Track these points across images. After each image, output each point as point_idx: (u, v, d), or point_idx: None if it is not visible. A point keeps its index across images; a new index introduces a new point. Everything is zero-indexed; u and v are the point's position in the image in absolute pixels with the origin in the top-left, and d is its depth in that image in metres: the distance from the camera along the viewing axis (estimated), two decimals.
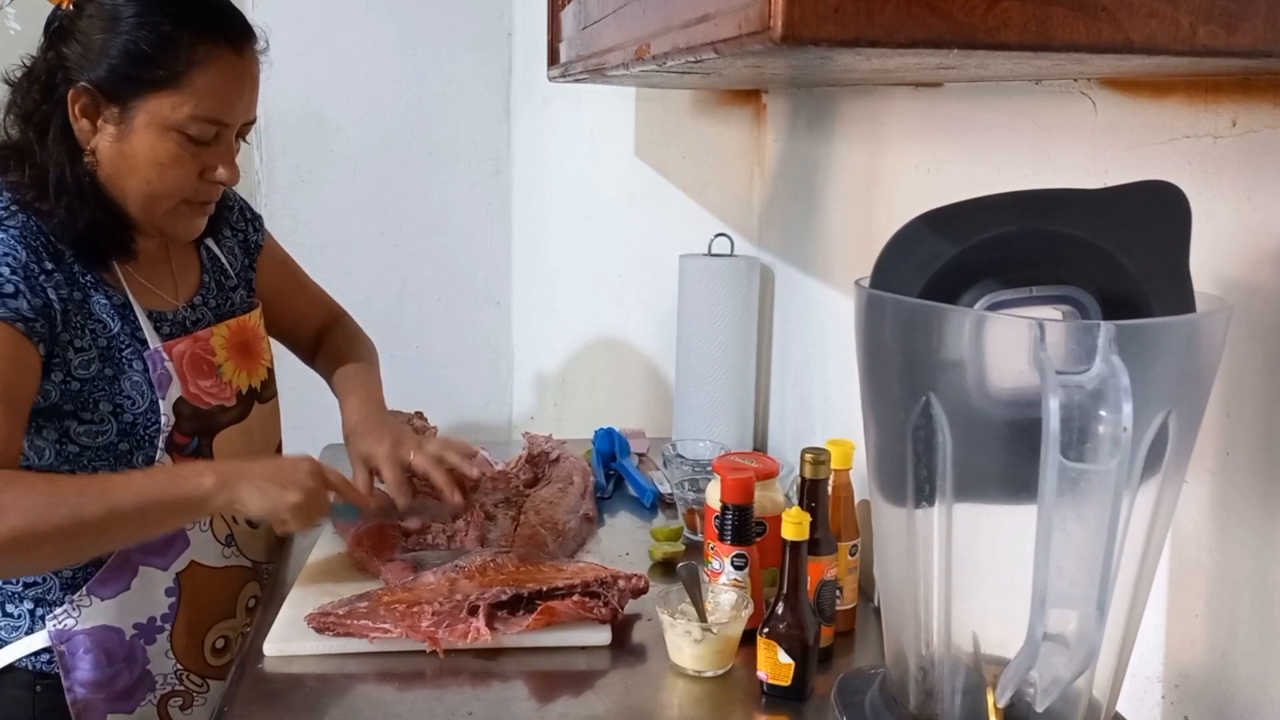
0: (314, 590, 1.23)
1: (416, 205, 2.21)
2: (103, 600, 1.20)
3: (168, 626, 1.25)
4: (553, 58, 1.68)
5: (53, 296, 1.12)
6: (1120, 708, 0.89)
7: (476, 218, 2.25)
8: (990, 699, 0.81)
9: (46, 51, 1.16)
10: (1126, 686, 0.88)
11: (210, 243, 1.37)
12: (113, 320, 1.18)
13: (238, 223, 1.43)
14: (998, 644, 0.84)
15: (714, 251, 1.85)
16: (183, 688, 1.27)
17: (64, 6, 1.15)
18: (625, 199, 2.04)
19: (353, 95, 2.13)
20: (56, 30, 1.16)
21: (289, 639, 1.13)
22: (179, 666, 1.27)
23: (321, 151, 2.13)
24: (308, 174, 2.06)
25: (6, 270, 1.09)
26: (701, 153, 1.99)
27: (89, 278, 1.17)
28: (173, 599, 1.25)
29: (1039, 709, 0.77)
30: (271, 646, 1.12)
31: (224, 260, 1.38)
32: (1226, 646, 0.83)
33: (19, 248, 1.11)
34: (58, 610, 1.19)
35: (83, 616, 1.20)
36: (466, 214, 2.25)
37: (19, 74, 1.17)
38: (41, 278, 1.12)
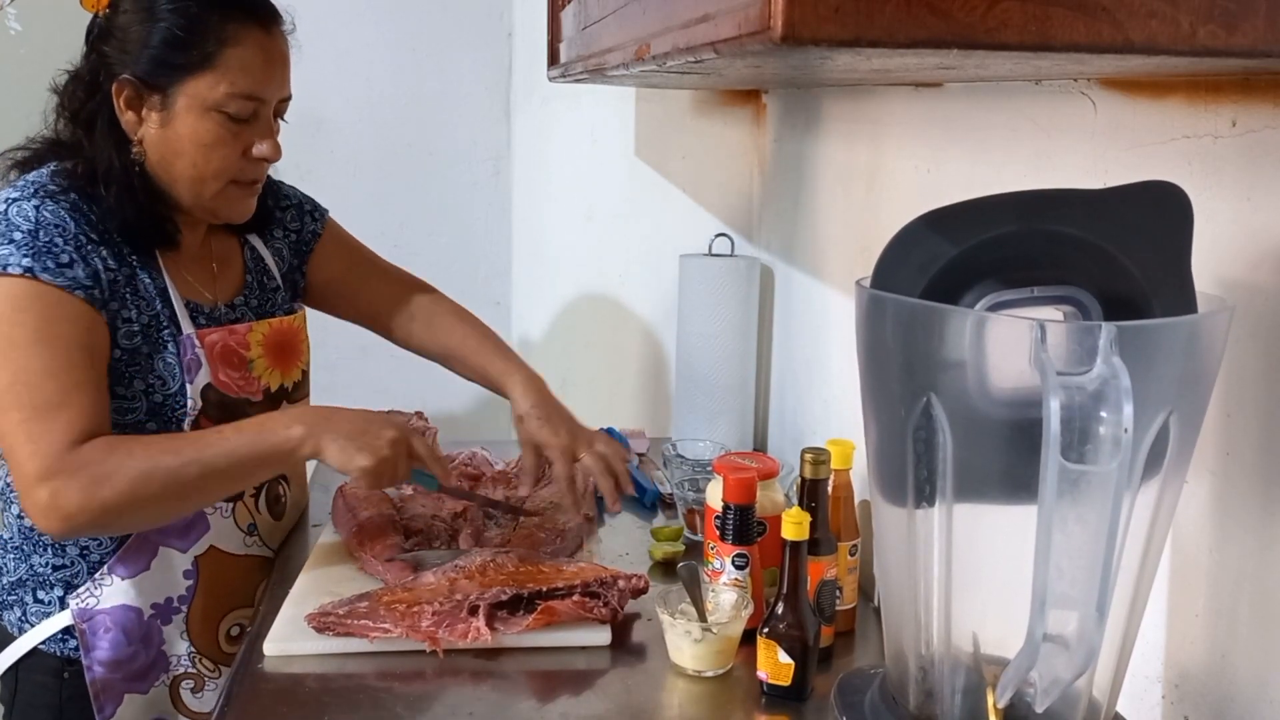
0: (314, 590, 1.23)
1: (416, 205, 2.21)
2: (123, 579, 1.24)
3: (184, 608, 1.28)
4: (553, 58, 1.68)
5: (100, 266, 1.17)
6: (1120, 708, 0.89)
7: (476, 218, 2.25)
8: (990, 699, 0.81)
9: (89, 54, 1.21)
10: (1126, 686, 0.88)
11: (257, 242, 1.41)
12: (154, 301, 1.22)
13: (292, 222, 1.46)
14: (997, 644, 0.84)
15: (714, 251, 1.84)
16: (195, 671, 1.30)
17: (101, 13, 1.20)
18: (625, 199, 2.04)
19: (353, 95, 2.13)
20: (97, 32, 1.21)
21: (289, 638, 1.13)
22: (192, 650, 1.29)
23: (321, 151, 2.13)
24: (307, 174, 2.05)
25: (60, 240, 1.14)
26: (701, 153, 1.99)
27: (134, 258, 1.21)
28: (190, 581, 1.27)
29: (1039, 709, 0.77)
30: (271, 646, 1.12)
31: (269, 261, 1.41)
32: (1226, 646, 0.83)
33: (68, 219, 1.16)
34: (80, 590, 1.23)
35: (104, 596, 1.23)
36: (466, 214, 2.25)
37: (64, 80, 1.23)
38: (89, 248, 1.16)
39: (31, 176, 1.19)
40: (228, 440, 1.15)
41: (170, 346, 1.22)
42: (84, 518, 1.09)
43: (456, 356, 1.51)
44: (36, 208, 1.15)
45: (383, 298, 1.53)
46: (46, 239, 1.13)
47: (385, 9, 2.13)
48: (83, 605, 1.23)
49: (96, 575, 1.23)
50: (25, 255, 1.11)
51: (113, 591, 1.23)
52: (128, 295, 1.19)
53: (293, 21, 1.26)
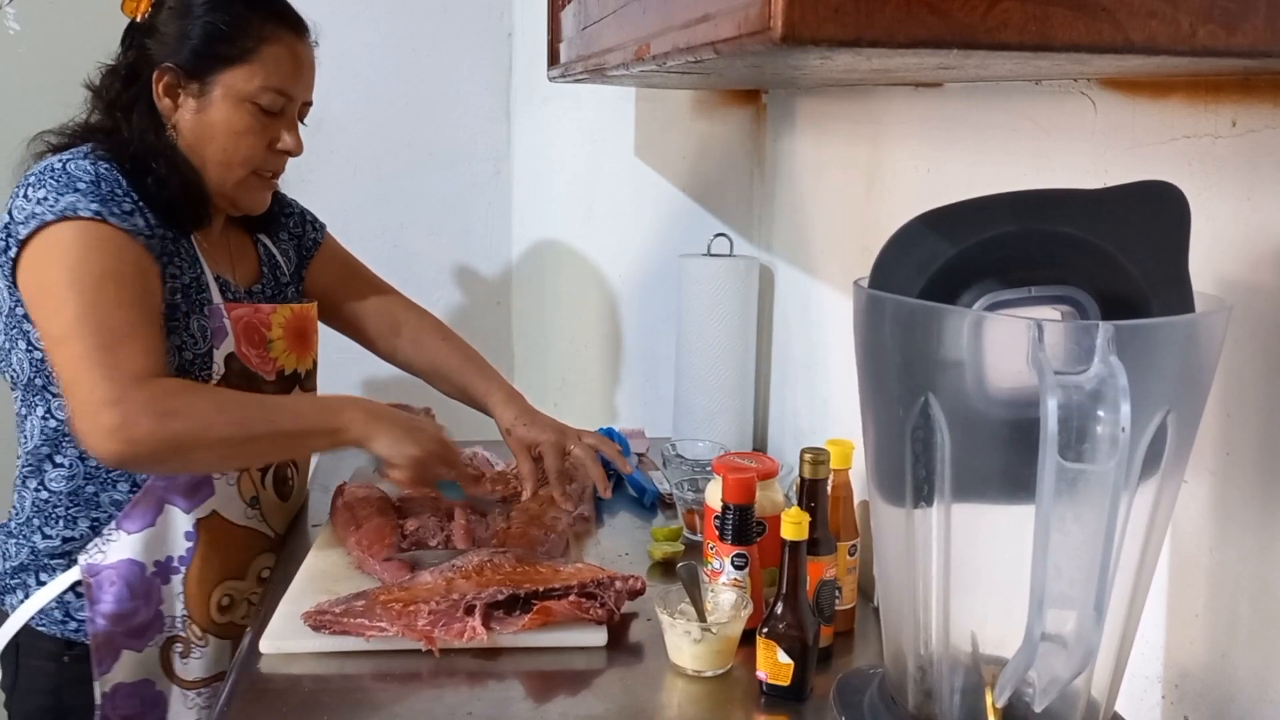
0: (311, 588, 1.23)
1: (416, 205, 2.21)
2: (129, 534, 1.27)
3: (183, 569, 1.31)
4: (553, 58, 1.68)
5: (153, 221, 1.23)
6: (1120, 708, 0.89)
7: (476, 218, 2.25)
8: (989, 699, 0.81)
9: (127, 50, 1.30)
10: (1126, 686, 0.88)
11: (267, 240, 1.47)
12: (192, 266, 1.29)
13: (295, 228, 1.54)
14: (996, 644, 0.84)
15: (714, 251, 1.84)
16: (184, 635, 1.32)
17: (140, 16, 1.28)
18: (625, 199, 2.03)
19: (353, 95, 2.13)
20: (136, 30, 1.28)
21: (286, 637, 1.13)
22: (185, 613, 1.32)
23: (321, 151, 2.13)
24: (308, 174, 2.05)
25: (119, 192, 1.21)
26: (701, 153, 1.99)
27: (172, 229, 1.27)
28: (190, 543, 1.30)
29: (1037, 709, 0.77)
30: (268, 644, 1.12)
31: (279, 258, 1.48)
32: (1226, 646, 0.83)
33: (121, 178, 1.22)
34: (89, 546, 1.27)
35: (110, 551, 1.27)
36: (466, 214, 2.24)
37: (100, 75, 1.31)
38: (142, 205, 1.23)
39: (76, 148, 1.25)
40: (295, 408, 1.24)
41: (204, 310, 1.28)
42: (149, 445, 1.12)
43: (440, 374, 1.58)
44: (94, 164, 1.21)
45: (371, 312, 1.59)
46: (108, 189, 1.19)
47: (385, 9, 2.13)
48: (90, 561, 1.26)
49: (104, 532, 1.27)
50: (93, 201, 1.17)
51: (119, 547, 1.27)
52: (171, 254, 1.25)
53: (317, 36, 1.35)
